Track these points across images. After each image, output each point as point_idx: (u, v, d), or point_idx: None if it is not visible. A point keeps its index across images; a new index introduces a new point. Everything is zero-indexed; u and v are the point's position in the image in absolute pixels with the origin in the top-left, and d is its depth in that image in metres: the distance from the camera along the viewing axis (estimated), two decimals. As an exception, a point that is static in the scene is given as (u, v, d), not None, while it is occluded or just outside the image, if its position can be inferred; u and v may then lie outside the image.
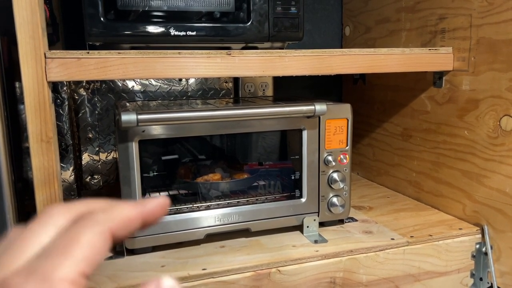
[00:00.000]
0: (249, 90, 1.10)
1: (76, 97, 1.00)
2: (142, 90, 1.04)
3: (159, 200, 0.26)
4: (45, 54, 0.60)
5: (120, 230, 0.23)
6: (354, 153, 1.20)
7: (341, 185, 0.79)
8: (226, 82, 1.11)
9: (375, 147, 1.12)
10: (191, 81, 1.08)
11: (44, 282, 0.19)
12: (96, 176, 1.03)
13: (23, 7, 0.58)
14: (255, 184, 0.79)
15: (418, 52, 0.80)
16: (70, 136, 0.96)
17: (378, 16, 1.06)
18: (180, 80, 1.07)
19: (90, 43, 0.73)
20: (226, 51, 0.68)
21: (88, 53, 0.62)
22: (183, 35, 0.74)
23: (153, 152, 0.72)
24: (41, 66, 0.60)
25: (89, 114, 1.01)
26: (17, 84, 0.85)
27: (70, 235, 0.21)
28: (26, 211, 0.73)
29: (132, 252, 0.71)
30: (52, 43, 0.89)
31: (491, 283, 0.78)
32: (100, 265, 0.22)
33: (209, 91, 1.09)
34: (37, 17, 0.58)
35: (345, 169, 0.80)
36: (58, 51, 0.61)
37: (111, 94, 1.02)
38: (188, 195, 0.76)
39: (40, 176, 0.63)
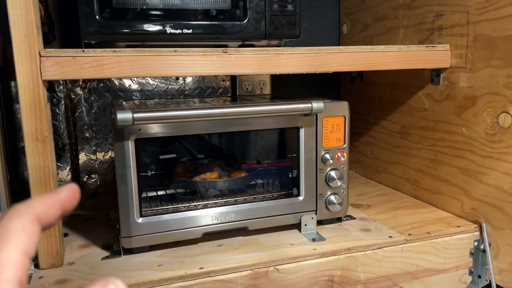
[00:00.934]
0: (247, 89, 1.10)
1: (73, 96, 0.99)
2: (139, 89, 1.04)
3: (70, 187, 0.28)
4: (40, 52, 0.59)
5: (44, 215, 0.25)
6: (352, 151, 1.19)
7: (339, 183, 0.79)
8: (223, 81, 1.11)
9: (373, 145, 1.11)
10: (188, 79, 1.07)
11: None
12: (93, 176, 1.03)
13: (18, 6, 0.57)
14: (253, 182, 0.79)
15: (415, 49, 0.80)
16: (66, 136, 0.96)
17: (376, 14, 1.05)
18: (177, 78, 1.06)
19: (86, 41, 0.73)
20: (222, 49, 0.68)
21: (83, 51, 0.62)
22: (179, 33, 0.73)
23: (150, 150, 0.72)
24: (36, 65, 0.59)
25: (85, 113, 1.01)
26: (12, 84, 0.85)
27: (2, 225, 0.24)
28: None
29: (129, 251, 0.71)
30: (48, 42, 0.88)
31: (490, 281, 0.78)
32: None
33: (207, 89, 1.09)
34: (31, 16, 0.58)
35: (343, 167, 0.80)
36: (53, 49, 0.61)
37: (107, 93, 1.02)
38: (186, 194, 0.75)
39: (36, 175, 0.62)
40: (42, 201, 0.26)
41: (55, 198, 0.27)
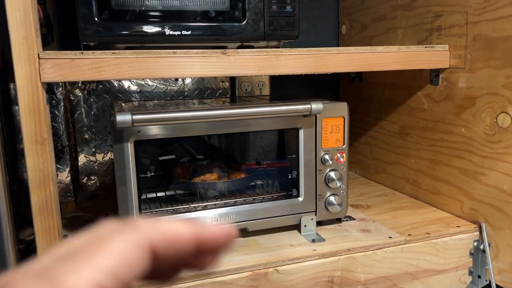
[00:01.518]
0: (246, 89, 1.09)
1: (72, 98, 0.99)
2: (138, 90, 1.04)
3: (223, 228, 0.21)
4: (38, 54, 0.59)
5: (164, 246, 0.19)
6: (352, 151, 1.19)
7: (338, 184, 0.79)
8: (222, 82, 1.11)
9: (373, 145, 1.11)
10: (188, 80, 1.07)
11: (49, 287, 0.16)
12: (92, 177, 1.03)
13: (16, 8, 0.57)
14: (252, 183, 0.79)
15: (414, 50, 0.80)
16: (66, 137, 0.96)
17: (374, 14, 1.05)
18: (177, 80, 1.06)
19: (85, 43, 0.72)
20: (221, 50, 0.68)
21: (82, 53, 0.62)
22: (178, 35, 0.73)
23: (149, 152, 0.72)
24: (34, 67, 0.59)
25: (85, 115, 1.01)
26: (11, 85, 0.84)
27: (99, 239, 0.18)
28: (21, 213, 0.73)
29: (129, 253, 0.71)
30: (47, 44, 0.88)
31: (489, 281, 0.78)
32: (132, 284, 0.18)
33: (206, 90, 1.09)
34: (30, 18, 0.58)
35: (342, 168, 0.80)
36: (51, 51, 0.60)
37: (107, 94, 1.02)
38: (185, 195, 0.75)
39: (35, 177, 0.62)
40: (174, 226, 0.19)
41: (195, 229, 0.20)
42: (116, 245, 0.18)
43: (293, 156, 0.78)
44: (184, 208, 0.74)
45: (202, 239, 0.20)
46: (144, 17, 0.72)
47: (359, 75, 1.16)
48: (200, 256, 0.21)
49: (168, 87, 1.06)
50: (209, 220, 0.74)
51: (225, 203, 0.76)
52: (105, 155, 1.03)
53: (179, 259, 0.21)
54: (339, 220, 0.84)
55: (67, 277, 0.16)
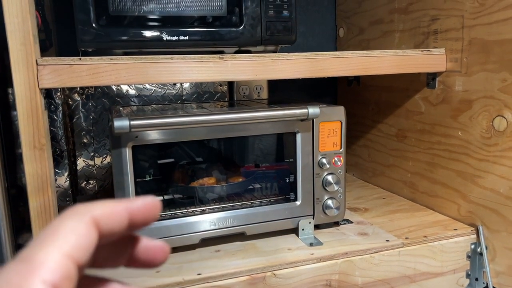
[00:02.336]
0: (244, 93, 1.10)
1: (70, 103, 1.00)
2: (136, 94, 1.04)
3: (148, 199, 0.25)
4: (36, 61, 0.60)
5: (104, 221, 0.23)
6: (350, 154, 1.20)
7: (336, 188, 0.79)
8: (220, 85, 1.11)
9: (370, 148, 1.12)
10: (186, 85, 1.08)
11: (24, 264, 0.20)
12: (91, 181, 1.03)
13: (14, 15, 0.58)
14: (250, 187, 0.79)
15: (410, 54, 0.80)
16: (64, 142, 0.96)
17: (372, 18, 1.06)
18: (175, 84, 1.07)
19: (83, 49, 0.73)
20: (218, 55, 0.68)
21: (80, 59, 0.62)
22: (176, 40, 0.74)
23: (147, 157, 0.72)
24: (33, 73, 0.60)
25: (83, 119, 1.01)
26: (10, 90, 0.85)
27: (54, 224, 0.22)
28: (20, 217, 0.73)
29: (127, 257, 0.71)
30: (45, 49, 0.89)
31: (487, 283, 0.78)
32: (89, 253, 0.22)
33: (204, 94, 1.09)
34: (28, 25, 0.58)
35: (340, 171, 0.80)
36: (49, 58, 0.61)
37: (105, 98, 1.02)
38: (183, 199, 0.76)
39: (34, 183, 0.63)
40: (107, 206, 0.23)
41: (124, 205, 0.24)
42: (68, 225, 0.22)
43: (290, 160, 0.78)
44: (182, 212, 0.74)
45: (131, 211, 0.24)
46: (141, 22, 0.72)
47: (357, 78, 1.16)
48: (132, 229, 0.25)
49: (166, 91, 1.06)
50: (207, 224, 0.74)
51: (223, 207, 0.76)
52: (103, 159, 1.04)
53: (120, 242, 0.25)
54: (337, 224, 0.84)
55: (37, 255, 0.20)
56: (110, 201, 0.24)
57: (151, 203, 0.25)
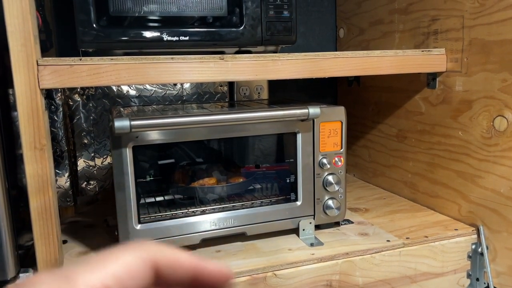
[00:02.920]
0: (244, 93, 1.10)
1: (71, 103, 1.00)
2: (137, 95, 1.04)
3: (222, 266, 0.24)
4: (37, 61, 0.60)
5: (165, 266, 0.22)
6: (350, 154, 1.20)
7: (336, 188, 0.79)
8: (221, 86, 1.11)
9: (371, 148, 1.12)
10: (186, 85, 1.08)
11: (65, 282, 0.20)
12: (92, 182, 1.03)
13: (15, 16, 0.58)
14: (251, 187, 0.79)
15: (410, 54, 0.80)
16: (65, 142, 0.96)
17: (372, 18, 1.06)
18: (175, 84, 1.07)
19: (83, 49, 0.73)
20: (219, 55, 0.68)
21: (80, 60, 0.62)
22: (176, 40, 0.74)
23: (148, 157, 0.72)
24: (33, 74, 0.60)
25: (84, 120, 1.01)
26: (10, 91, 0.85)
27: (113, 252, 0.22)
28: (20, 218, 0.73)
29: (127, 258, 0.71)
30: (46, 50, 0.89)
31: (488, 283, 0.78)
32: None
33: (204, 94, 1.10)
34: (29, 25, 0.58)
35: (340, 172, 0.80)
36: (50, 58, 0.61)
37: (105, 99, 1.02)
38: (184, 200, 0.76)
39: (34, 183, 0.63)
40: (177, 254, 0.23)
41: (194, 262, 0.23)
42: (124, 258, 0.21)
43: (291, 160, 0.78)
44: (182, 212, 0.74)
45: (199, 270, 0.23)
46: (142, 23, 0.73)
47: (357, 78, 1.16)
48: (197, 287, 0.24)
49: (167, 92, 1.06)
50: (208, 224, 0.74)
51: (223, 207, 0.76)
52: (104, 160, 1.04)
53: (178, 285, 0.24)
54: (337, 224, 0.84)
55: (79, 276, 0.20)
56: (180, 251, 0.23)
57: (224, 271, 0.24)
